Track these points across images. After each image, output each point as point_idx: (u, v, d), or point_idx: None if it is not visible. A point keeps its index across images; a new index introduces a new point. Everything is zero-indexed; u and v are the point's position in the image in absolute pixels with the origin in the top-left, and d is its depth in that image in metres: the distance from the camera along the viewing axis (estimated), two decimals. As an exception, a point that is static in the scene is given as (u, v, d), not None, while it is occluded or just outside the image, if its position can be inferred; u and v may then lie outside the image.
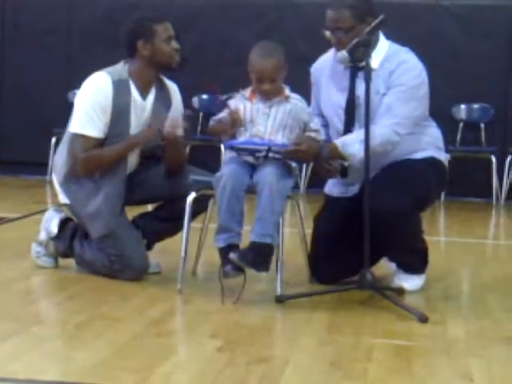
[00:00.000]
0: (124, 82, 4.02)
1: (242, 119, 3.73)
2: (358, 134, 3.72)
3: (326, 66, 4.03)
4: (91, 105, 3.97)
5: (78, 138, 4.01)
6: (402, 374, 2.79)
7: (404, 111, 3.77)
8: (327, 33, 3.82)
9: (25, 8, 8.86)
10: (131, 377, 2.65)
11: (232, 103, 3.79)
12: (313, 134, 3.77)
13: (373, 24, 3.62)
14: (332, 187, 4.14)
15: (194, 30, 8.31)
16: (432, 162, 3.95)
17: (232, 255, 3.56)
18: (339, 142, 3.78)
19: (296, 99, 3.78)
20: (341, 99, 3.92)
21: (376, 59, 3.82)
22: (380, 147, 3.72)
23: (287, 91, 3.78)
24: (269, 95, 3.74)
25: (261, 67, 3.70)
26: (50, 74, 8.69)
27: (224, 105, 3.77)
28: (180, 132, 4.00)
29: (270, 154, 3.65)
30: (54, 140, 8.20)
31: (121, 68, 4.07)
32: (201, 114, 8.33)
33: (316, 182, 6.38)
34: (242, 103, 3.78)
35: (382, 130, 3.72)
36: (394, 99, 3.78)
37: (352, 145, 3.72)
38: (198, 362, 2.90)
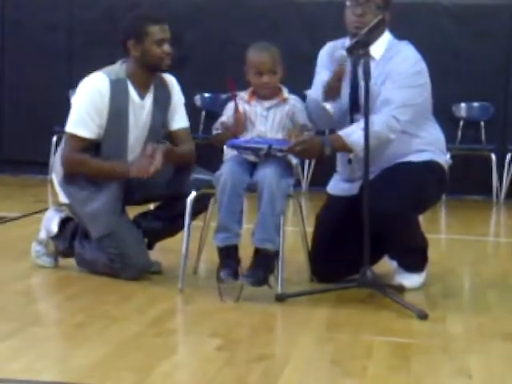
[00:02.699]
0: (122, 81, 4.01)
1: (243, 120, 3.76)
2: (358, 124, 3.74)
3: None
4: (85, 106, 3.97)
5: (68, 136, 4.03)
6: (401, 371, 2.80)
7: (402, 97, 3.77)
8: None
9: (25, 5, 8.85)
10: (131, 376, 2.65)
11: (230, 106, 3.81)
12: (306, 133, 3.78)
13: (370, 25, 3.63)
14: (334, 186, 4.14)
15: (196, 28, 8.30)
16: (432, 165, 3.93)
17: (243, 279, 3.61)
18: (342, 132, 3.78)
19: (294, 100, 3.80)
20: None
21: (379, 49, 3.85)
22: (381, 133, 3.72)
23: (285, 93, 3.80)
24: (269, 91, 3.76)
25: (260, 59, 3.74)
26: (51, 73, 8.66)
27: (234, 98, 3.77)
28: (158, 162, 3.87)
29: (272, 152, 3.67)
30: (54, 139, 8.17)
31: (118, 67, 4.06)
32: (203, 112, 8.32)
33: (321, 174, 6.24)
34: (240, 105, 3.79)
35: (380, 116, 3.73)
36: (391, 87, 3.79)
37: (354, 133, 3.72)
38: (197, 361, 2.90)
